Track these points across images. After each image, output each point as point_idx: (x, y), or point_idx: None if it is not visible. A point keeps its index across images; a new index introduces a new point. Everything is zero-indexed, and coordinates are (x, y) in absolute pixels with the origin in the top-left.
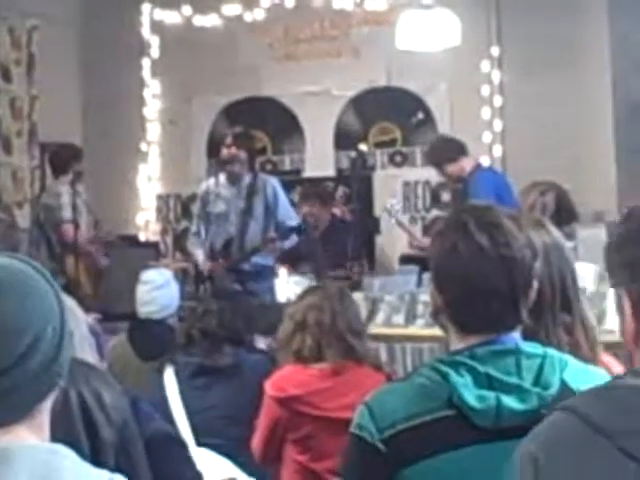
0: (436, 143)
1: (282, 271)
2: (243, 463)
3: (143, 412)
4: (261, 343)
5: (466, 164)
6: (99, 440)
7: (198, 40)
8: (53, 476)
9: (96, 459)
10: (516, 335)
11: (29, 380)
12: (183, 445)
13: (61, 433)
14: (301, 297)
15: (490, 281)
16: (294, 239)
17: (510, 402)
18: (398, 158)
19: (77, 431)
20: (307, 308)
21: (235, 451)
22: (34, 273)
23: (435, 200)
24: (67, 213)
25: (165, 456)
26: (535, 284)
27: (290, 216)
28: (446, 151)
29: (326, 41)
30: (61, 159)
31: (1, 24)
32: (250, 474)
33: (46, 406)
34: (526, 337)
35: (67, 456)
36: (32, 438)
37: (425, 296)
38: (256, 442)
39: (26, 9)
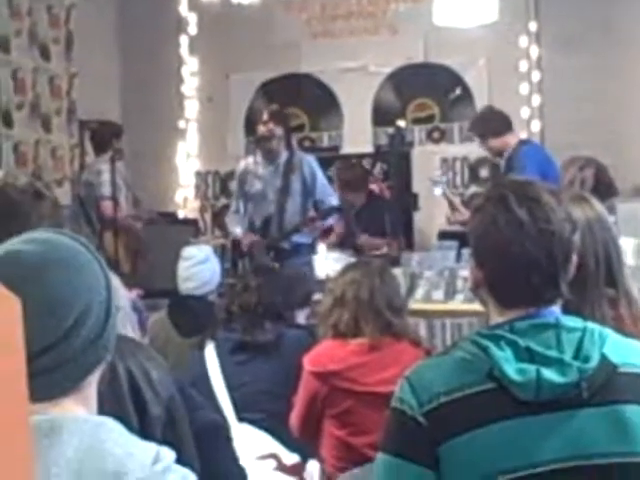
0: (483, 115)
1: (321, 247)
2: (284, 438)
3: (191, 399)
4: (301, 318)
5: (510, 139)
6: (147, 415)
7: (236, 17)
8: (100, 448)
9: (144, 434)
10: (556, 309)
11: (77, 354)
12: (229, 438)
13: (109, 407)
14: (342, 273)
15: (530, 255)
16: (334, 217)
17: (550, 375)
18: (436, 134)
19: (126, 406)
20: (347, 284)
21: (276, 426)
22: (82, 249)
23: (473, 176)
24: (106, 190)
25: (214, 448)
26: (574, 258)
27: (329, 193)
28: (493, 123)
29: (363, 17)
30: (102, 137)
31: (39, 2)
32: (291, 449)
33: (94, 379)
34: (571, 312)
35: (114, 429)
36: (80, 411)
37: (464, 271)
38: (294, 417)
39: None
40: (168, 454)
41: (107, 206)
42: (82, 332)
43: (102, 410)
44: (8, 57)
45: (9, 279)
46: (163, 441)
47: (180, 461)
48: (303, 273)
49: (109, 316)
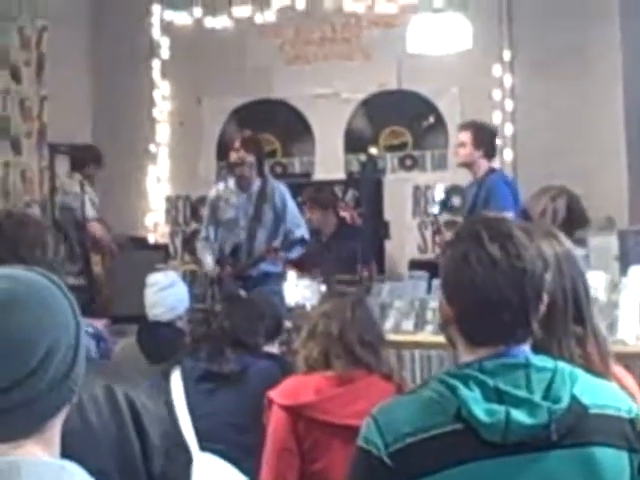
0: (486, 125)
1: (291, 274)
2: (247, 469)
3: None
4: (274, 348)
5: (482, 162)
6: (148, 443)
7: (208, 42)
8: None
9: (146, 462)
10: (526, 348)
11: (41, 394)
12: None
13: (112, 434)
14: (320, 304)
15: (501, 292)
16: (299, 249)
17: (519, 416)
18: (408, 162)
19: (128, 432)
20: (320, 316)
21: (239, 457)
22: (52, 287)
23: (445, 204)
24: (90, 211)
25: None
26: (545, 297)
27: (298, 224)
28: (488, 131)
29: (337, 43)
30: (81, 159)
31: (11, 24)
32: None
33: (58, 421)
34: (538, 350)
35: (75, 473)
36: (41, 454)
37: (435, 302)
38: (266, 465)
39: (36, 10)
40: None
41: (95, 227)
42: (48, 372)
43: (105, 437)
44: None
45: None
46: (161, 474)
47: None
48: (272, 301)
49: (77, 357)
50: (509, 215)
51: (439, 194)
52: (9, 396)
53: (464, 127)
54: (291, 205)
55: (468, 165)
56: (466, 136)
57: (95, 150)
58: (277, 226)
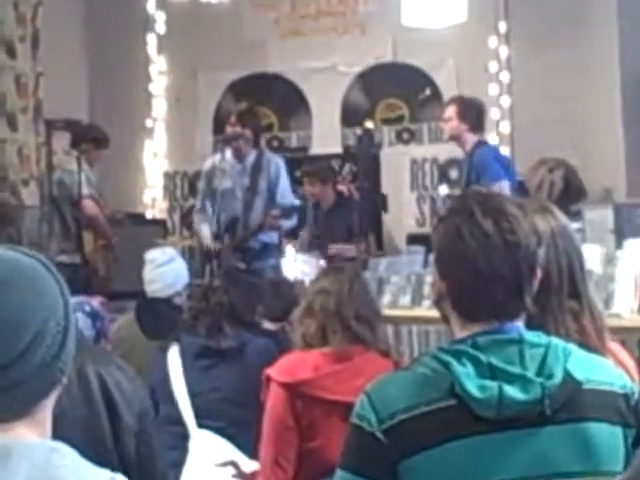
0: (471, 99)
1: (289, 249)
2: (244, 446)
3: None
4: (271, 324)
5: (469, 136)
6: (119, 420)
7: (204, 16)
8: (52, 474)
9: (117, 441)
10: (519, 323)
11: (31, 376)
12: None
13: (80, 410)
14: (316, 279)
15: (494, 267)
16: (294, 220)
17: (513, 392)
18: (405, 135)
19: (97, 406)
20: (317, 292)
21: (236, 434)
22: (41, 268)
23: (443, 177)
24: (86, 189)
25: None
26: (539, 272)
27: (288, 196)
28: (473, 110)
29: (332, 17)
30: (79, 136)
31: (6, 0)
32: (251, 457)
33: (49, 403)
34: (534, 326)
35: (66, 454)
36: (32, 435)
37: (431, 277)
38: (263, 446)
39: None
40: None
41: (88, 204)
42: (36, 355)
43: (74, 413)
44: None
45: None
46: (137, 455)
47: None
48: (283, 285)
49: (66, 337)
50: (504, 185)
51: (445, 199)
52: None
53: (449, 102)
54: (284, 179)
55: (455, 138)
56: (451, 110)
57: (97, 132)
58: (270, 197)
